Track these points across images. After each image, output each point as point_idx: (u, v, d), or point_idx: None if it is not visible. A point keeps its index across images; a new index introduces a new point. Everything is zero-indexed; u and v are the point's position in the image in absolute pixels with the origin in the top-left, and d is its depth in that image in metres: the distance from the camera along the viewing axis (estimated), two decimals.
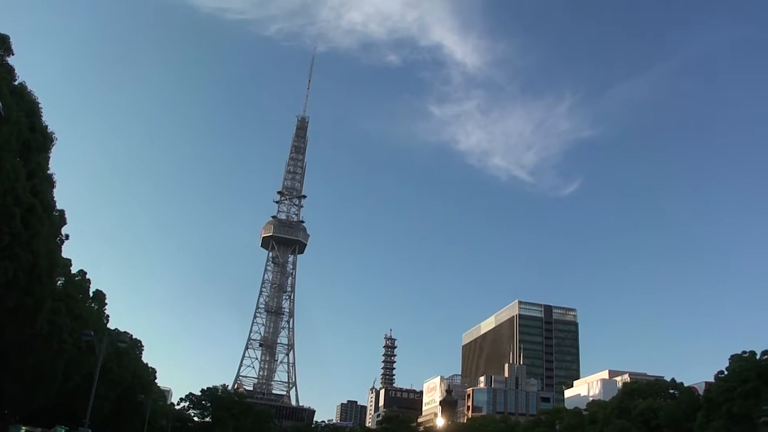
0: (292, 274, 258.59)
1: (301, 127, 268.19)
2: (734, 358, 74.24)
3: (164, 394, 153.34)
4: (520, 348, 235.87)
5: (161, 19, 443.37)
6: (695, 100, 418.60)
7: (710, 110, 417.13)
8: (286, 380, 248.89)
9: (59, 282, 54.77)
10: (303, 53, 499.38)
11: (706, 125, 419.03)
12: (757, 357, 71.72)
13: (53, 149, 46.40)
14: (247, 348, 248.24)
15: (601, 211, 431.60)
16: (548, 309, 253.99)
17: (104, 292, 69.31)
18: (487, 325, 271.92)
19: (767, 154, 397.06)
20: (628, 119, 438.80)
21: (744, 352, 73.86)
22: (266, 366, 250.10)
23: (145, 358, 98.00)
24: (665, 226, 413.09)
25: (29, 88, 41.77)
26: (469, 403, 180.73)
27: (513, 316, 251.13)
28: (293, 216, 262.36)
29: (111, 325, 73.34)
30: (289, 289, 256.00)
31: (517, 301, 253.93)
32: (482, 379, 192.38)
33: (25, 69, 42.21)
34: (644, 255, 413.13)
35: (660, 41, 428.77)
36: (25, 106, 40.33)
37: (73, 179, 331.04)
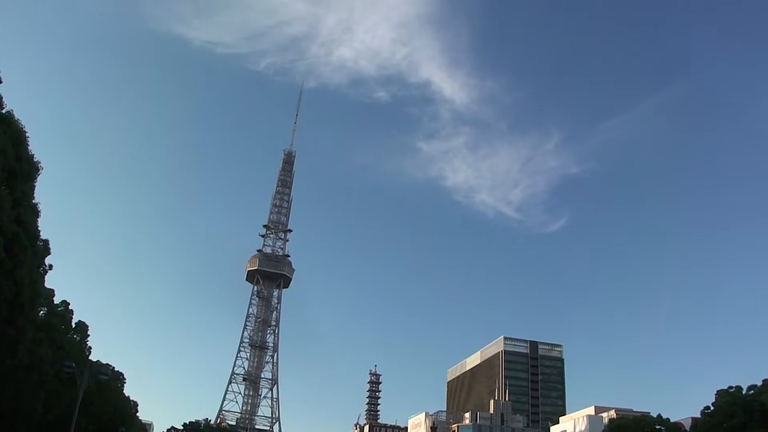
0: (276, 308, 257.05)
1: (288, 162, 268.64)
2: (721, 394, 74.22)
3: (146, 427, 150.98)
4: (505, 384, 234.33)
5: (151, 51, 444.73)
6: (681, 137, 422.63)
7: (696, 149, 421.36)
8: (270, 415, 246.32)
9: (41, 312, 54.20)
10: (293, 88, 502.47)
11: (693, 163, 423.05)
12: (744, 392, 71.72)
13: (39, 178, 46.19)
14: (230, 382, 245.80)
15: (588, 247, 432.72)
16: (534, 345, 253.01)
17: (87, 323, 68.69)
18: (473, 360, 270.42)
19: (755, 195, 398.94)
20: (615, 156, 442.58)
21: (730, 388, 73.87)
22: (250, 400, 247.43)
23: (127, 390, 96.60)
24: (652, 264, 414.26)
25: (17, 116, 41.67)
26: None
27: (498, 352, 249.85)
28: (279, 250, 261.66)
29: (93, 357, 72.50)
30: (273, 323, 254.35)
31: (502, 336, 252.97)
32: (467, 415, 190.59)
33: (13, 97, 42.17)
34: (631, 291, 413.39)
35: (646, 79, 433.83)
36: (11, 134, 40.21)
37: (58, 209, 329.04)
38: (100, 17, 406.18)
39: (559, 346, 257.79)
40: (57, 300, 60.46)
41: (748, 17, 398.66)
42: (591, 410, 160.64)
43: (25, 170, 43.19)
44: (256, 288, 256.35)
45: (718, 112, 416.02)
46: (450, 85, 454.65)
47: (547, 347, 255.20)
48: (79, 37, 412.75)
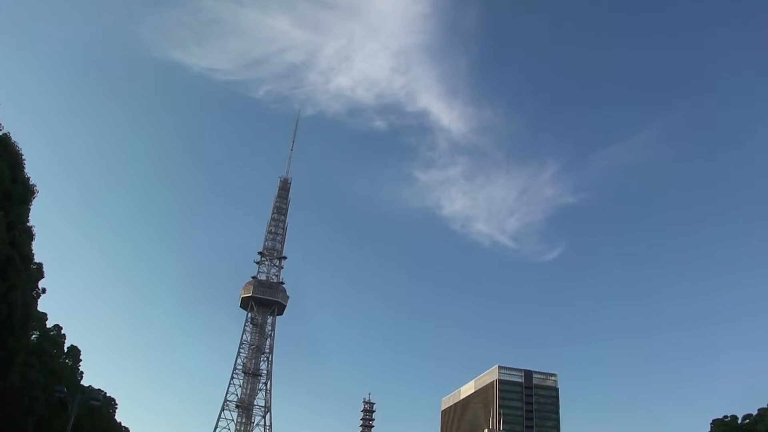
0: (270, 335, 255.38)
1: (284, 188, 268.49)
2: (716, 423, 74.04)
3: None
4: (499, 413, 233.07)
5: (149, 76, 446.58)
6: (676, 166, 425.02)
7: (691, 177, 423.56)
8: None
9: (34, 336, 53.96)
10: (291, 115, 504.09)
11: (688, 192, 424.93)
12: (739, 421, 71.54)
13: (34, 201, 46.17)
14: (223, 409, 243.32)
15: (583, 276, 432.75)
16: (528, 374, 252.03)
17: (79, 348, 68.29)
18: (467, 389, 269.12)
19: (752, 222, 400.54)
20: (611, 185, 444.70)
21: (726, 417, 73.68)
22: (242, 428, 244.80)
23: (119, 416, 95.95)
24: (648, 293, 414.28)
25: (13, 139, 41.77)
26: None
27: (493, 381, 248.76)
28: (273, 277, 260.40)
29: (85, 382, 72.06)
30: (267, 350, 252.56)
31: (497, 365, 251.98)
32: None
33: (10, 120, 42.32)
34: (626, 320, 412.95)
35: (642, 108, 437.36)
36: (8, 157, 40.31)
37: (53, 233, 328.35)
38: (99, 42, 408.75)
39: (554, 375, 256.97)
40: (50, 324, 60.26)
41: (745, 47, 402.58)
42: None
43: (21, 193, 43.19)
44: (250, 315, 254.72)
45: (715, 141, 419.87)
46: (447, 114, 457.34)
47: (541, 376, 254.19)
48: (77, 62, 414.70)
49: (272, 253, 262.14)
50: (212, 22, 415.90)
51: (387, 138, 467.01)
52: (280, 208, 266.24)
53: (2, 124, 40.33)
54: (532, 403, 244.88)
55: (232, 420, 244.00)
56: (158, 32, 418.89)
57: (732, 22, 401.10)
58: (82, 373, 70.30)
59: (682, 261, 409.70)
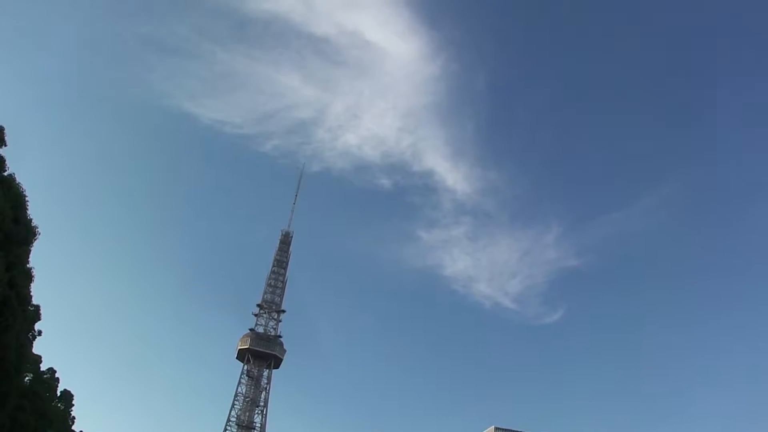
0: (266, 388, 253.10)
1: (285, 242, 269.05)
2: None
3: None
4: None
5: (158, 124, 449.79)
6: (681, 232, 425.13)
7: (696, 243, 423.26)
8: None
9: (27, 378, 53.72)
10: (297, 170, 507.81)
11: (692, 257, 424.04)
12: None
13: (35, 243, 46.55)
14: None
15: (584, 339, 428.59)
16: None
17: (72, 393, 67.77)
18: None
19: (754, 289, 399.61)
20: (614, 250, 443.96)
21: None
22: None
23: None
24: (649, 358, 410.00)
25: (18, 179, 42.37)
26: None
27: None
28: (271, 330, 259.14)
29: (76, 428, 71.22)
30: (262, 403, 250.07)
31: (493, 427, 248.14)
32: None
33: (16, 161, 42.91)
34: (625, 386, 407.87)
35: (648, 173, 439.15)
36: (11, 197, 40.80)
37: (53, 276, 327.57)
38: (110, 87, 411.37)
39: None
40: (44, 367, 59.98)
41: (748, 115, 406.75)
42: None
43: (22, 234, 43.57)
44: (246, 367, 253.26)
45: (719, 207, 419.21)
46: (453, 175, 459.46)
47: None
48: (86, 106, 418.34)
49: (271, 306, 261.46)
50: (224, 75, 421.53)
51: (392, 196, 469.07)
52: (281, 262, 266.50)
53: (8, 165, 40.98)
54: None
55: None
56: (170, 82, 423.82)
57: (738, 89, 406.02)
58: (73, 418, 69.49)
59: (683, 325, 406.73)
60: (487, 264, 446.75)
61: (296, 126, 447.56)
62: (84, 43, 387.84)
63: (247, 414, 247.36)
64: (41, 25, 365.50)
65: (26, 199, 43.60)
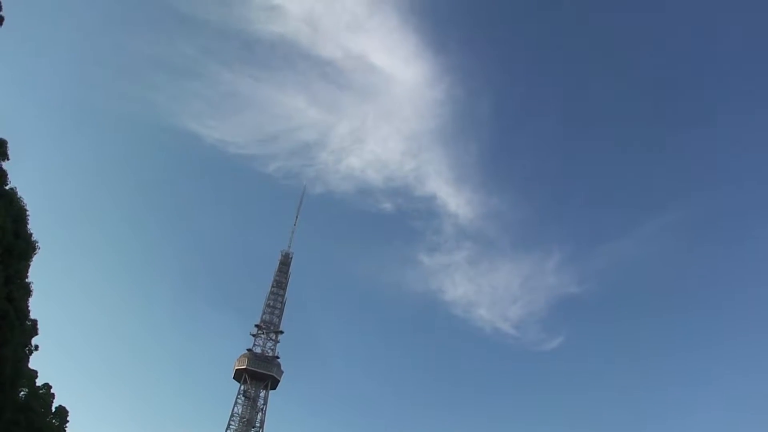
0: (262, 409, 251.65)
1: (285, 263, 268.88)
2: None
3: None
4: None
5: (161, 143, 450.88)
6: (684, 259, 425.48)
7: (699, 270, 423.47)
8: None
9: (22, 393, 53.59)
10: (300, 192, 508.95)
11: (695, 285, 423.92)
12: None
13: (35, 258, 46.62)
14: None
15: (583, 367, 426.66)
16: None
17: (67, 408, 67.46)
18: None
19: (756, 317, 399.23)
20: (615, 277, 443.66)
21: None
22: None
23: None
24: (648, 385, 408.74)
25: (19, 194, 42.56)
26: None
27: None
28: (269, 351, 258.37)
29: None
30: (258, 424, 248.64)
31: None
32: None
33: (19, 175, 43.11)
34: (626, 412, 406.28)
35: (650, 200, 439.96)
36: (12, 211, 40.95)
37: (51, 291, 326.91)
38: (115, 105, 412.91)
39: None
40: (39, 382, 59.79)
41: (749, 140, 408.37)
42: None
43: (22, 248, 43.63)
44: (242, 387, 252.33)
45: (721, 234, 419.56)
46: (455, 200, 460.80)
47: None
48: (91, 122, 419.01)
49: (269, 327, 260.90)
50: (229, 95, 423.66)
51: (394, 220, 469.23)
52: (280, 282, 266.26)
53: (9, 179, 41.16)
54: None
55: None
56: (176, 101, 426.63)
57: (739, 115, 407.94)
58: None
59: (684, 353, 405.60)
60: (488, 289, 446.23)
61: (300, 148, 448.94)
62: (91, 59, 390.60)
63: None
64: (49, 38, 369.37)
65: (27, 213, 43.76)
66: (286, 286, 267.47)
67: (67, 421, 68.00)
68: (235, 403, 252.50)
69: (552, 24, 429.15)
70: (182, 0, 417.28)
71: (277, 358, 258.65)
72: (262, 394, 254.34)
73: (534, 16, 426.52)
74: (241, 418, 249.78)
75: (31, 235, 44.92)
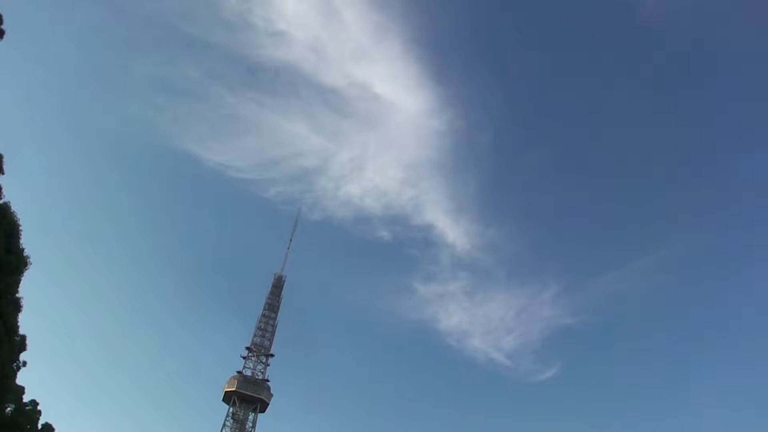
0: None
1: (277, 286, 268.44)
2: None
3: None
4: None
5: (161, 165, 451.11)
6: (675, 295, 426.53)
7: (692, 306, 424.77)
8: None
9: (8, 409, 53.26)
10: (299, 217, 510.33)
11: (685, 320, 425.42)
12: None
13: (26, 273, 46.53)
14: None
15: (576, 398, 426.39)
16: None
17: (53, 426, 67.00)
18: None
19: (752, 351, 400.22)
20: (609, 310, 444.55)
21: None
22: None
23: None
24: (642, 418, 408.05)
25: (14, 208, 42.58)
26: None
27: None
28: (259, 374, 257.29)
29: None
30: None
31: None
32: None
33: (13, 190, 43.14)
34: None
35: (646, 234, 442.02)
36: (5, 225, 40.97)
37: (42, 307, 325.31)
38: (116, 125, 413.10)
39: None
40: (26, 399, 59.46)
41: (748, 176, 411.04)
42: None
43: (14, 263, 43.56)
44: (231, 409, 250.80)
45: (717, 269, 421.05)
46: (453, 230, 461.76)
47: None
48: (90, 140, 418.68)
49: (260, 350, 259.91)
50: (232, 119, 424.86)
51: (390, 248, 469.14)
52: (272, 305, 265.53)
53: (4, 193, 41.24)
54: None
55: None
56: (177, 123, 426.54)
57: (737, 150, 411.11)
58: None
59: (678, 386, 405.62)
60: (483, 320, 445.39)
61: (300, 174, 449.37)
62: (94, 78, 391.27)
63: None
64: (52, 55, 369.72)
65: (20, 227, 43.76)
66: (278, 309, 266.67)
67: None
68: (224, 425, 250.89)
69: (553, 57, 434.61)
70: (188, 22, 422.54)
71: (267, 381, 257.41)
72: (251, 416, 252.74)
73: (535, 48, 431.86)
74: None
75: (23, 250, 44.88)
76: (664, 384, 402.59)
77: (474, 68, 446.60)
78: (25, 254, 45.37)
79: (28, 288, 50.76)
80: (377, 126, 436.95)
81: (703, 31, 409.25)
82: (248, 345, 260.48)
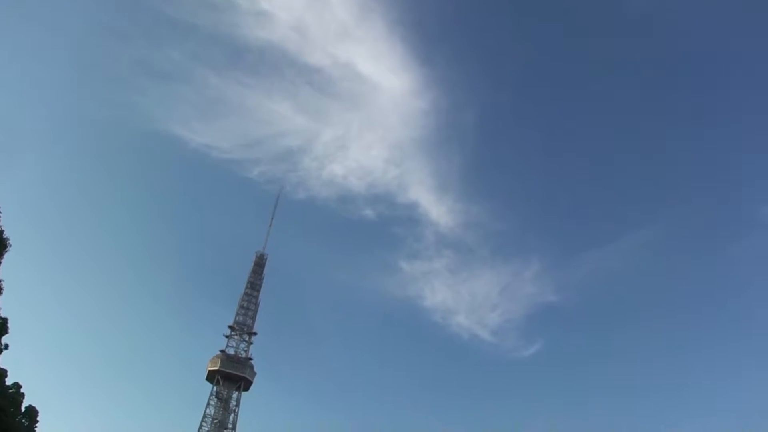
0: (235, 411, 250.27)
1: (259, 264, 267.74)
2: None
3: None
4: None
5: (145, 147, 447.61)
6: (662, 272, 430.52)
7: (675, 283, 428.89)
8: None
9: None
10: (283, 197, 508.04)
11: (671, 297, 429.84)
12: None
13: (6, 255, 46.16)
14: None
15: (559, 374, 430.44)
16: None
17: (37, 408, 66.73)
18: None
19: (734, 327, 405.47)
20: (594, 287, 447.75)
21: None
22: None
23: None
24: (623, 393, 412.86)
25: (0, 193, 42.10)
26: None
27: None
28: (242, 352, 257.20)
29: None
30: (230, 425, 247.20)
31: None
32: None
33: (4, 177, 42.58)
34: (601, 418, 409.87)
35: (630, 212, 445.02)
36: None
37: (23, 290, 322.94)
38: (100, 108, 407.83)
39: None
40: (9, 381, 59.17)
41: (731, 157, 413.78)
42: None
43: None
44: (215, 388, 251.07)
45: (701, 247, 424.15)
46: (437, 208, 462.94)
47: None
48: (75, 124, 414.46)
49: (242, 328, 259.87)
50: (215, 100, 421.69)
51: (375, 227, 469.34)
52: (254, 284, 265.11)
53: None
54: None
55: None
56: (162, 106, 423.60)
57: (721, 131, 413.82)
58: None
59: (661, 363, 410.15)
60: (467, 297, 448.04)
61: (284, 153, 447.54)
62: (78, 63, 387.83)
63: None
64: (35, 41, 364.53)
65: None
66: (260, 287, 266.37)
67: (37, 422, 67.24)
68: (208, 404, 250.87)
69: (538, 38, 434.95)
70: (171, 5, 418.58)
71: (250, 359, 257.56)
72: (235, 395, 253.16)
73: (520, 29, 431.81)
74: (213, 419, 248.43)
75: (2, 232, 44.48)
76: (647, 362, 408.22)
77: (459, 50, 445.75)
78: (5, 236, 45.02)
79: (8, 269, 50.49)
80: (361, 106, 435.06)
81: None
82: (231, 323, 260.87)
